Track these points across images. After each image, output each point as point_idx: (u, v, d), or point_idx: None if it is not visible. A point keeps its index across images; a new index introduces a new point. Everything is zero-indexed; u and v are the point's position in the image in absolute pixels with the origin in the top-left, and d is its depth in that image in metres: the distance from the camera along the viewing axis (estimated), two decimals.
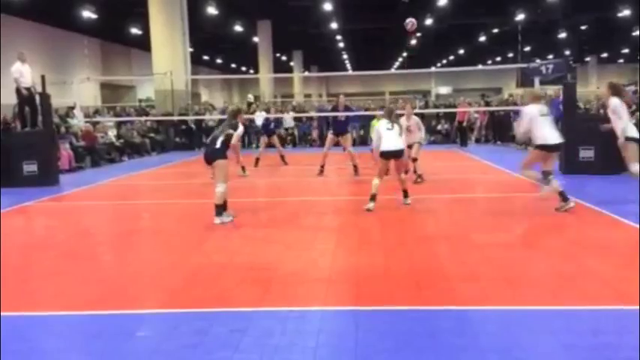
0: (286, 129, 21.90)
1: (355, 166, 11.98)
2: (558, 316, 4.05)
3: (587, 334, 3.72)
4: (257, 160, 13.84)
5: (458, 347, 3.57)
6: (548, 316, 4.05)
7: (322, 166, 12.12)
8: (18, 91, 12.23)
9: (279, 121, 17.47)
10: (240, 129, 7.78)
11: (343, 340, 3.71)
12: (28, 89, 12.21)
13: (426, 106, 25.07)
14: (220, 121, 15.03)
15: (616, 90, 8.27)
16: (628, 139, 8.00)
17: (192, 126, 21.06)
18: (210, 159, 7.51)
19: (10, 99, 14.41)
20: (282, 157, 14.14)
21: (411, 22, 11.95)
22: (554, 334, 3.73)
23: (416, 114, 12.09)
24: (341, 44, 40.43)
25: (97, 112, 21.67)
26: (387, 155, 8.07)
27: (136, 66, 35.62)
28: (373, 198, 7.98)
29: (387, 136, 8.02)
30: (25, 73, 12.20)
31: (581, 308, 4.19)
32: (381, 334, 3.79)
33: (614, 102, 8.08)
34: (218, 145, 7.40)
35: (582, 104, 19.91)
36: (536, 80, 12.89)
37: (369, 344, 3.64)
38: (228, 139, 7.48)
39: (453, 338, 3.70)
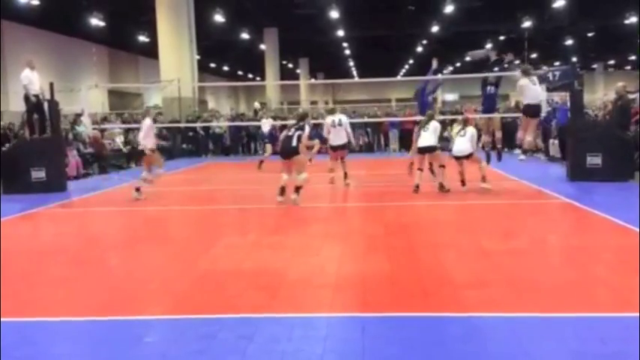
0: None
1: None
2: (566, 323, 4.04)
3: (595, 341, 3.70)
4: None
5: (465, 354, 3.56)
6: (556, 323, 4.03)
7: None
8: (26, 98, 12.31)
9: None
10: (307, 129, 9.36)
11: (350, 347, 3.70)
12: (36, 96, 12.28)
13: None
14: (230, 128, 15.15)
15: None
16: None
17: (202, 132, 21.14)
18: (289, 155, 9.09)
19: (19, 106, 14.53)
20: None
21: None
22: (562, 341, 3.71)
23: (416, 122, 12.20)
24: (347, 51, 40.53)
25: (105, 119, 21.78)
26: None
27: (144, 73, 35.83)
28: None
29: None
30: (33, 80, 12.28)
31: (590, 315, 4.16)
32: (388, 340, 3.79)
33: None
34: (294, 143, 9.00)
35: (591, 111, 19.81)
36: (543, 87, 12.84)
37: (376, 351, 3.64)
38: (299, 138, 9.06)
39: (461, 345, 3.69)
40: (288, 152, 9.10)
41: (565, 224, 7.93)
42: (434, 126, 10.24)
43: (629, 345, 3.59)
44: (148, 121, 10.44)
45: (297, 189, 9.02)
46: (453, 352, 3.58)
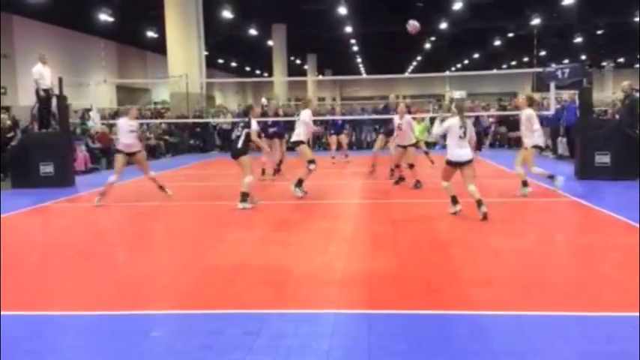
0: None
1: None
2: (573, 322, 4.03)
3: (602, 340, 3.69)
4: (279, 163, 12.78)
5: (471, 352, 3.56)
6: (563, 321, 4.03)
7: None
8: (37, 92, 12.39)
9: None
10: (254, 125, 8.76)
11: (356, 343, 3.71)
12: (46, 91, 12.36)
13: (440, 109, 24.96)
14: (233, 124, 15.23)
15: (531, 101, 9.49)
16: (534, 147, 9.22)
17: (213, 126, 21.20)
18: (235, 156, 8.72)
19: (27, 101, 14.60)
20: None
21: (412, 26, 11.90)
22: (568, 340, 3.71)
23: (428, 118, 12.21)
24: (355, 48, 40.44)
25: (117, 113, 21.87)
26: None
27: (152, 69, 35.92)
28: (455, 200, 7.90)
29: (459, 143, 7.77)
30: (45, 75, 12.36)
31: (596, 314, 4.16)
32: (394, 337, 3.79)
33: (528, 112, 9.14)
34: (240, 144, 8.59)
35: (603, 109, 19.72)
36: (552, 85, 12.76)
37: (382, 347, 3.64)
38: (247, 137, 8.61)
39: (467, 343, 3.69)
40: (234, 153, 8.73)
41: (573, 223, 7.90)
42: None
43: (636, 344, 3.58)
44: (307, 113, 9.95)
45: (244, 196, 8.53)
46: (460, 350, 3.58)
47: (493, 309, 4.26)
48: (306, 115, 9.74)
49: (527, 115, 9.13)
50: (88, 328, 4.19)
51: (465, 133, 7.67)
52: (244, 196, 8.55)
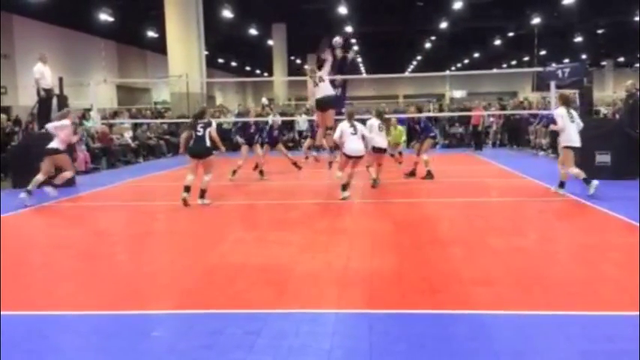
0: (300, 132, 21.91)
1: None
2: (574, 321, 4.03)
3: (602, 340, 3.70)
4: (256, 165, 12.77)
5: (472, 351, 3.56)
6: (564, 321, 4.03)
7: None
8: (38, 91, 12.41)
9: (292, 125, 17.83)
10: (214, 124, 9.32)
11: (357, 343, 3.71)
12: (47, 90, 12.37)
13: (440, 109, 24.99)
14: (235, 124, 15.26)
15: (564, 99, 9.42)
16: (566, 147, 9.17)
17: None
18: (202, 156, 9.05)
19: (28, 101, 14.59)
20: (295, 164, 13.43)
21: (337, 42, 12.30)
22: (569, 339, 3.71)
23: (430, 118, 12.24)
24: (355, 47, 40.42)
25: (116, 113, 21.87)
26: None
27: (152, 68, 35.93)
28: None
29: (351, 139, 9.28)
30: (46, 74, 12.37)
31: (597, 314, 4.16)
32: (395, 337, 3.80)
33: (558, 111, 9.22)
34: (208, 143, 9.00)
35: (603, 109, 19.69)
36: (552, 84, 12.76)
37: (383, 347, 3.65)
38: (211, 138, 9.06)
39: (467, 342, 3.69)
40: (201, 152, 9.03)
41: (573, 222, 7.90)
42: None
43: (637, 343, 3.58)
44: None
45: (203, 193, 9.08)
46: (460, 350, 3.59)
47: (494, 308, 4.27)
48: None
49: (557, 114, 9.21)
50: (88, 328, 4.18)
51: (355, 132, 9.24)
52: (204, 193, 9.10)
